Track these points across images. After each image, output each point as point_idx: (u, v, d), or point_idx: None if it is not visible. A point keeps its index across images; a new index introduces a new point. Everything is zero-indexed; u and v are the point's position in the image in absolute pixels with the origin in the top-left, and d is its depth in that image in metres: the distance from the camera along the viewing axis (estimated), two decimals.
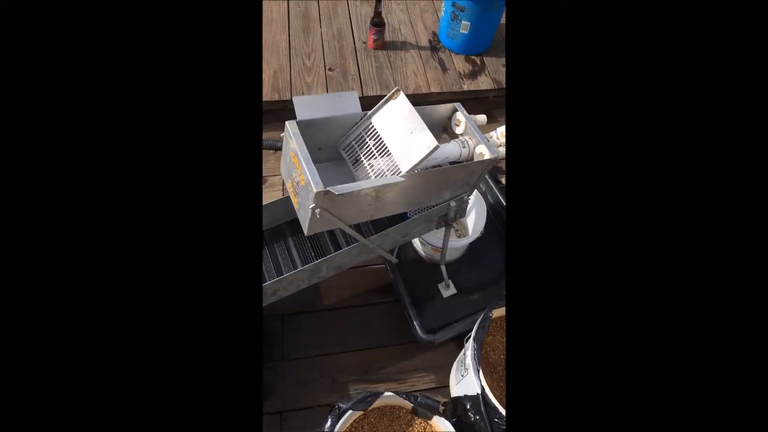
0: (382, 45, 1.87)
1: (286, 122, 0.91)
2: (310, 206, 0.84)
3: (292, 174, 0.92)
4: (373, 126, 0.99)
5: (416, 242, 1.39)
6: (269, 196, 1.55)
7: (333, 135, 1.01)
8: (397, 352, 1.29)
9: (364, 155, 1.00)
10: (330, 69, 1.77)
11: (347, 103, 0.95)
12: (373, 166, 0.98)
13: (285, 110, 1.68)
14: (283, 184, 1.63)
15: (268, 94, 1.64)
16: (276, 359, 1.25)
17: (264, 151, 1.64)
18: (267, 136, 1.68)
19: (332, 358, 1.27)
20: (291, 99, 1.69)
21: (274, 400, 1.18)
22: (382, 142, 0.97)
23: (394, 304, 1.35)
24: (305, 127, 0.93)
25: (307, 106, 0.92)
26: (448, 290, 1.33)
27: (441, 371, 1.25)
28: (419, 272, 1.35)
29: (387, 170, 0.96)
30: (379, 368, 1.26)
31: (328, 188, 0.82)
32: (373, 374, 1.25)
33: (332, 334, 1.30)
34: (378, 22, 1.79)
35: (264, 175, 1.60)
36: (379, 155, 0.97)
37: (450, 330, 1.22)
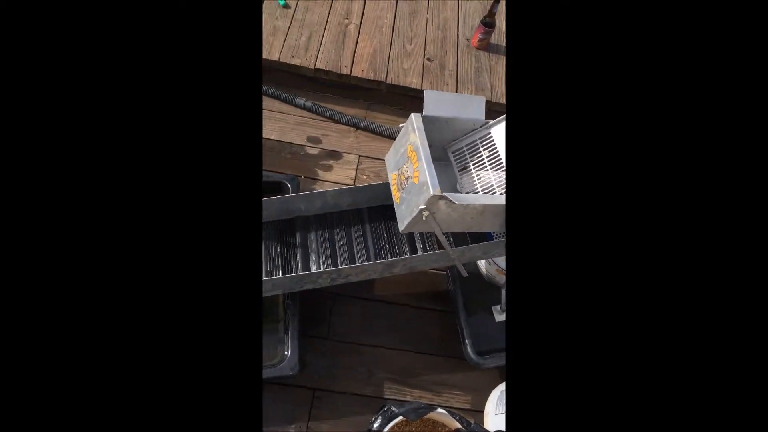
0: (485, 46, 1.81)
1: (412, 114, 0.88)
2: (420, 206, 0.82)
3: (402, 167, 0.89)
4: (491, 136, 0.95)
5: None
6: (339, 174, 1.53)
7: (446, 136, 0.98)
8: (439, 363, 1.27)
9: (473, 164, 0.96)
10: (429, 59, 1.72)
11: (474, 107, 0.91)
12: (481, 177, 0.95)
13: (376, 90, 1.65)
14: (359, 164, 1.61)
15: (364, 71, 1.61)
16: (320, 337, 1.25)
17: (345, 127, 1.62)
18: (352, 113, 1.65)
19: (373, 350, 1.26)
20: (384, 81, 1.66)
21: (309, 376, 1.19)
22: (497, 154, 0.93)
23: (444, 313, 1.33)
24: (427, 123, 0.89)
25: (435, 102, 0.89)
26: (501, 315, 1.30)
27: (478, 394, 1.23)
28: (476, 289, 1.32)
29: (496, 185, 0.92)
30: (418, 374, 1.24)
31: (444, 194, 0.79)
32: (410, 378, 1.23)
33: (378, 327, 1.29)
34: (489, 23, 1.73)
35: (339, 150, 1.58)
36: (490, 167, 0.94)
37: (499, 357, 1.19)
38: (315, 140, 1.60)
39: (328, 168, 1.55)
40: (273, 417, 1.13)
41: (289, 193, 1.24)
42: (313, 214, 1.14)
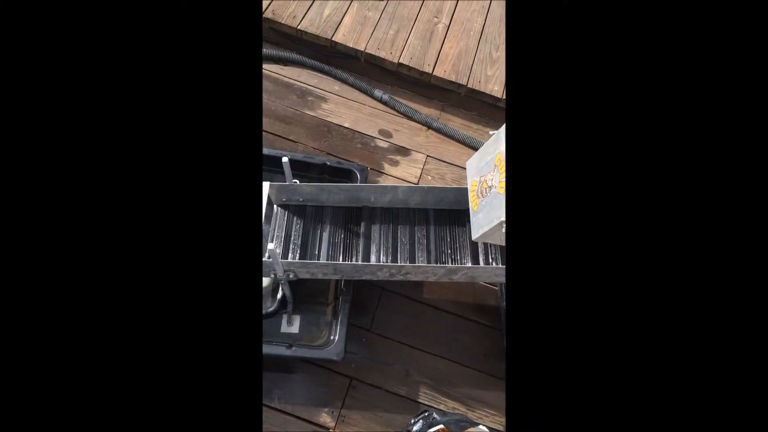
0: None
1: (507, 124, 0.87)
2: (501, 218, 0.80)
3: (486, 175, 0.88)
4: None
5: None
6: (404, 170, 1.53)
7: None
8: (478, 378, 1.24)
9: None
10: None
11: None
12: None
13: (454, 93, 1.64)
14: (425, 163, 1.61)
15: (447, 72, 1.60)
16: (363, 327, 1.26)
17: (417, 125, 1.61)
18: (426, 112, 1.64)
19: (413, 352, 1.25)
20: (465, 85, 1.63)
21: (346, 365, 1.19)
22: None
23: (490, 329, 1.30)
24: None
25: None
26: None
27: None
28: None
29: None
30: (454, 384, 1.22)
31: None
32: (446, 387, 1.22)
33: (420, 329, 1.28)
34: None
35: (408, 147, 1.58)
36: None
37: None
38: (386, 134, 1.61)
39: (395, 163, 1.55)
40: (309, 397, 1.15)
41: (357, 182, 1.25)
42: (380, 206, 1.15)
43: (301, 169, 1.30)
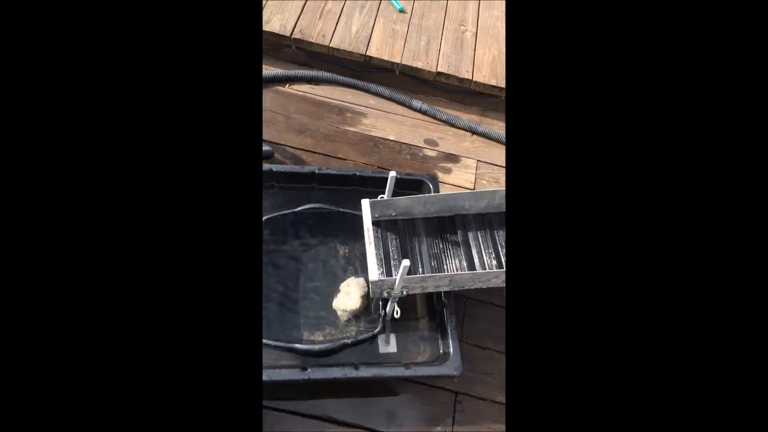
0: None
1: None
2: None
3: None
4: None
5: None
6: (458, 177, 1.53)
7: None
8: None
9: None
10: None
11: None
12: None
13: (493, 98, 1.66)
14: (477, 168, 1.61)
15: (486, 77, 1.62)
16: (458, 339, 1.22)
17: (460, 131, 1.62)
18: (466, 118, 1.65)
19: None
20: (504, 88, 1.66)
21: (449, 379, 1.15)
22: None
23: None
24: None
25: None
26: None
27: None
28: None
29: None
30: None
31: None
32: None
33: None
34: None
35: (457, 154, 1.57)
36: None
37: None
38: (432, 143, 1.60)
39: (447, 171, 1.55)
40: (417, 418, 1.10)
41: (431, 192, 1.23)
42: (473, 213, 1.13)
43: (378, 185, 1.28)
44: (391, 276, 0.96)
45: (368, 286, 1.16)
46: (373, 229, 1.02)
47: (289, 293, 1.17)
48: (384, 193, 1.09)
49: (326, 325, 1.15)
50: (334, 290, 1.20)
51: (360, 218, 1.23)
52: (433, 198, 1.06)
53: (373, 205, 1.02)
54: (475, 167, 1.56)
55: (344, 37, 1.61)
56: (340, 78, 1.65)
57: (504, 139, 1.60)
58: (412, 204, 1.05)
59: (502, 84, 1.61)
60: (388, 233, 1.05)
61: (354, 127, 1.59)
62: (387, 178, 1.29)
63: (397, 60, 1.61)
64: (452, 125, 1.63)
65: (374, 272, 0.92)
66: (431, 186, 1.24)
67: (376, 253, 0.98)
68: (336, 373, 0.96)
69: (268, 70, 1.62)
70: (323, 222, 1.24)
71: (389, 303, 1.01)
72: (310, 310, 1.16)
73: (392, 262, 1.01)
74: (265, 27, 1.56)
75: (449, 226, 1.10)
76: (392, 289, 0.94)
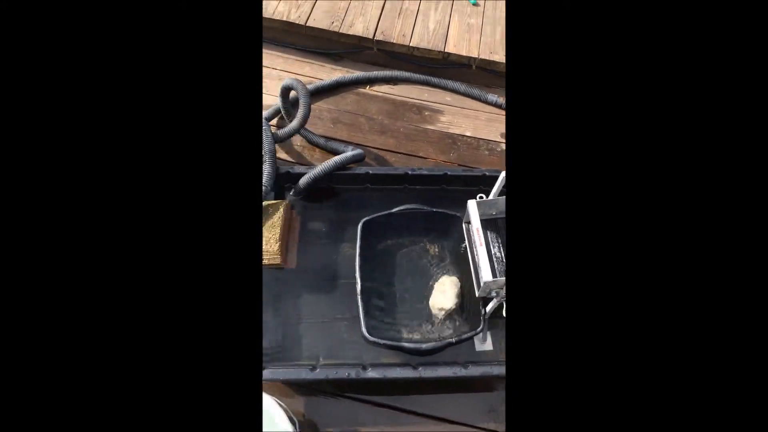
0: None
1: None
2: None
3: None
4: None
5: None
6: None
7: None
8: None
9: None
10: None
11: None
12: None
13: None
14: None
15: None
16: None
17: None
18: None
19: None
20: None
21: None
22: None
23: None
24: None
25: None
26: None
27: None
28: None
29: None
30: None
31: None
32: None
33: None
34: None
35: None
36: None
37: None
38: None
39: None
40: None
41: None
42: None
43: (466, 183, 1.31)
44: (496, 276, 0.98)
45: (461, 284, 1.19)
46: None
47: (386, 292, 1.22)
48: (481, 192, 1.11)
49: (423, 323, 1.19)
50: (428, 289, 1.23)
51: (451, 217, 1.25)
52: None
53: (479, 206, 1.04)
54: None
55: (423, 36, 1.62)
56: (415, 76, 1.66)
57: None
58: None
59: None
60: (488, 232, 1.06)
61: (432, 125, 1.60)
62: (474, 176, 1.30)
63: (474, 54, 1.59)
64: None
65: (487, 273, 0.94)
66: None
67: (488, 254, 0.99)
68: (446, 372, 1.00)
69: (350, 72, 1.66)
70: (413, 221, 1.27)
71: (492, 302, 1.03)
72: (407, 308, 1.21)
73: (495, 261, 1.02)
74: (349, 30, 1.60)
75: None
76: (502, 289, 0.95)
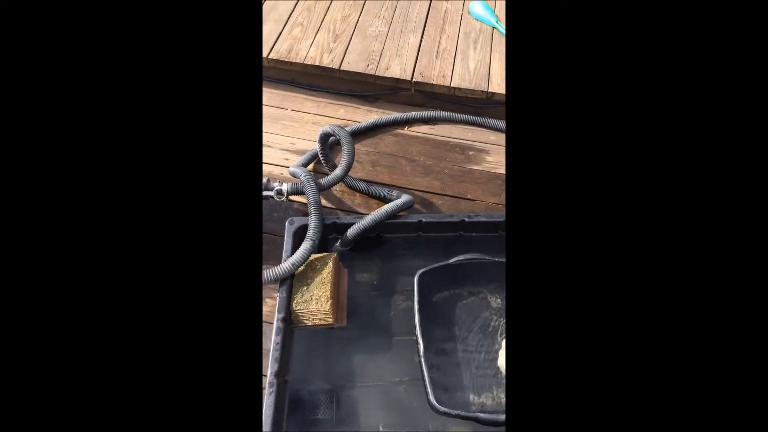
0: None
1: None
2: None
3: None
4: None
5: None
6: None
7: None
8: None
9: None
10: None
11: None
12: None
13: None
14: None
15: None
16: None
17: None
18: None
19: None
20: None
21: None
22: None
23: None
24: None
25: None
26: None
27: None
28: None
29: None
30: None
31: None
32: None
33: None
34: None
35: None
36: None
37: None
38: None
39: None
40: None
41: None
42: None
43: None
44: None
45: None
46: None
47: (448, 349, 1.11)
48: None
49: (494, 386, 1.07)
50: (495, 345, 1.12)
51: None
52: None
53: None
54: None
55: (464, 76, 1.58)
56: (458, 116, 1.61)
57: None
58: None
59: None
60: None
61: (479, 165, 1.53)
62: None
63: None
64: None
65: None
66: None
67: None
68: None
69: (386, 114, 1.62)
70: (473, 272, 1.18)
71: None
72: (473, 369, 1.09)
73: None
74: (386, 73, 1.57)
75: None
76: None
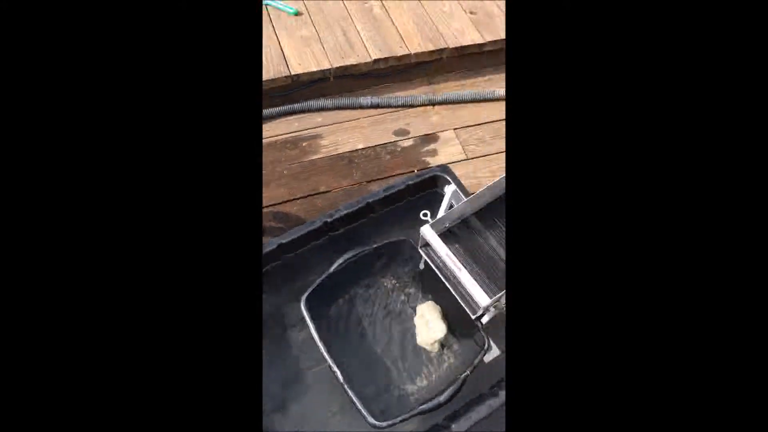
0: None
1: None
2: None
3: None
4: None
5: None
6: (446, 154, 1.44)
7: None
8: None
9: None
10: (472, 12, 1.66)
11: None
12: None
13: (436, 62, 1.55)
14: (457, 136, 1.52)
15: (422, 44, 1.51)
16: None
17: (421, 108, 1.51)
18: (418, 92, 1.55)
19: None
20: (447, 47, 1.55)
21: None
22: None
23: None
24: None
25: None
26: None
27: None
28: None
29: None
30: None
31: None
32: None
33: None
34: None
35: (431, 132, 1.48)
36: None
37: None
38: (402, 132, 1.49)
39: (433, 153, 1.45)
40: None
41: (450, 183, 1.13)
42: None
43: (388, 203, 1.17)
44: (492, 294, 0.88)
45: (440, 304, 1.08)
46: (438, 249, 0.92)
47: (367, 352, 1.04)
48: (425, 210, 0.99)
49: (423, 366, 1.04)
50: (405, 323, 1.09)
51: (394, 244, 1.11)
52: (481, 192, 0.97)
53: (433, 227, 0.91)
54: (455, 137, 1.48)
55: (266, 67, 1.42)
56: (275, 110, 1.47)
57: (465, 98, 1.53)
58: (463, 208, 0.96)
59: (442, 44, 1.53)
60: (452, 249, 0.95)
61: (317, 154, 1.43)
62: (398, 192, 1.17)
63: (325, 66, 1.45)
64: (411, 106, 1.52)
65: (483, 297, 0.83)
66: (447, 177, 1.15)
67: (472, 275, 0.87)
68: (482, 411, 0.87)
69: None
70: (359, 268, 1.10)
71: (488, 314, 0.93)
72: (396, 359, 1.05)
73: (482, 280, 0.91)
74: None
75: (500, 211, 1.03)
76: (499, 301, 0.85)
